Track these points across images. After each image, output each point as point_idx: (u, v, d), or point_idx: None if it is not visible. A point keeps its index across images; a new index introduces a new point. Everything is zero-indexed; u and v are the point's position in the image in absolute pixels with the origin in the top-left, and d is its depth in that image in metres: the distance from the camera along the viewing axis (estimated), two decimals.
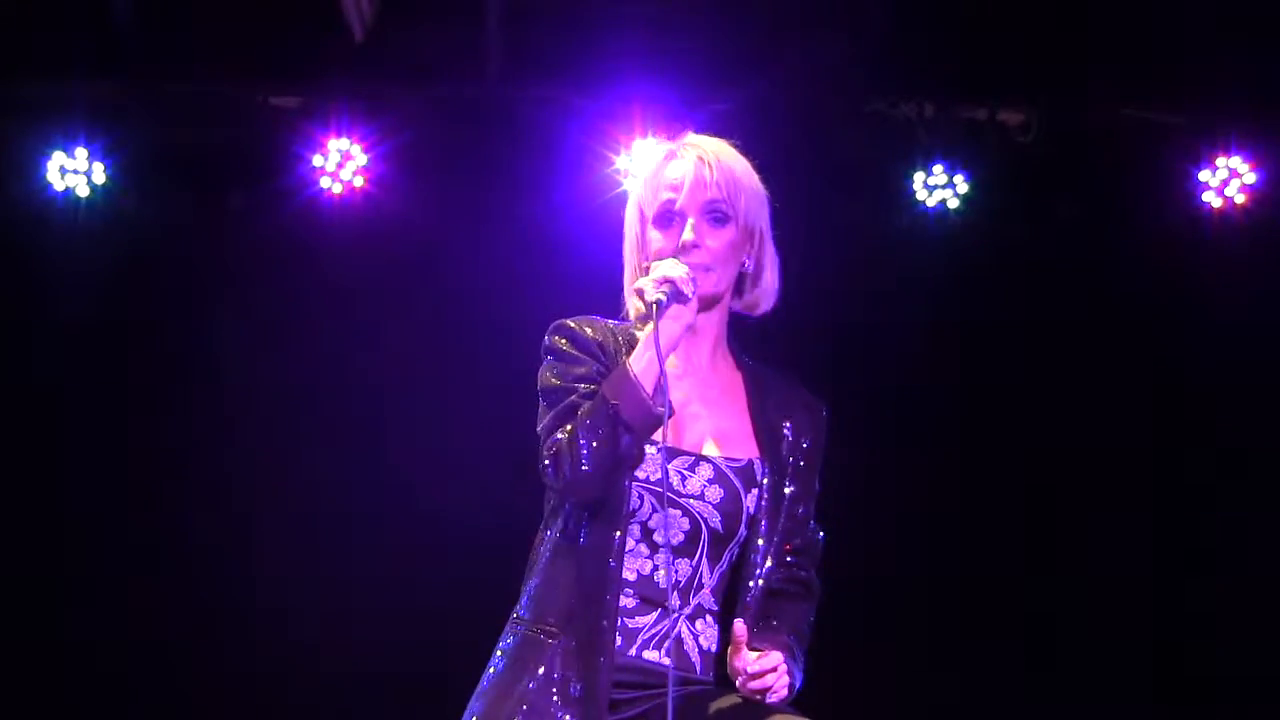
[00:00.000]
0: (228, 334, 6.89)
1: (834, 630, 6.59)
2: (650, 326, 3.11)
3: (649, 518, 3.17)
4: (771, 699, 3.10)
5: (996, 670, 7.02)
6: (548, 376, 3.23)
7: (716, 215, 3.24)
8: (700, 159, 3.26)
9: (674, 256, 3.20)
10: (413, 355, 6.92)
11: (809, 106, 6.95)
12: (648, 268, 3.22)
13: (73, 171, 6.75)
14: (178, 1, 6.65)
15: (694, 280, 3.15)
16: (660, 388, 3.08)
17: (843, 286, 6.81)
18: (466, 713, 3.19)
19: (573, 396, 3.17)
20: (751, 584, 3.23)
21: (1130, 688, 7.07)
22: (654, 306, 3.09)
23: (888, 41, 6.70)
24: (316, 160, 6.80)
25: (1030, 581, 7.10)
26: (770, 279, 3.34)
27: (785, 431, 3.29)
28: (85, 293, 6.84)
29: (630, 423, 3.07)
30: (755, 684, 3.09)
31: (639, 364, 3.11)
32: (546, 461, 3.14)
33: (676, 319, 3.13)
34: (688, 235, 3.21)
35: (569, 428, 3.12)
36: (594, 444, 3.08)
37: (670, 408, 3.10)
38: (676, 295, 3.11)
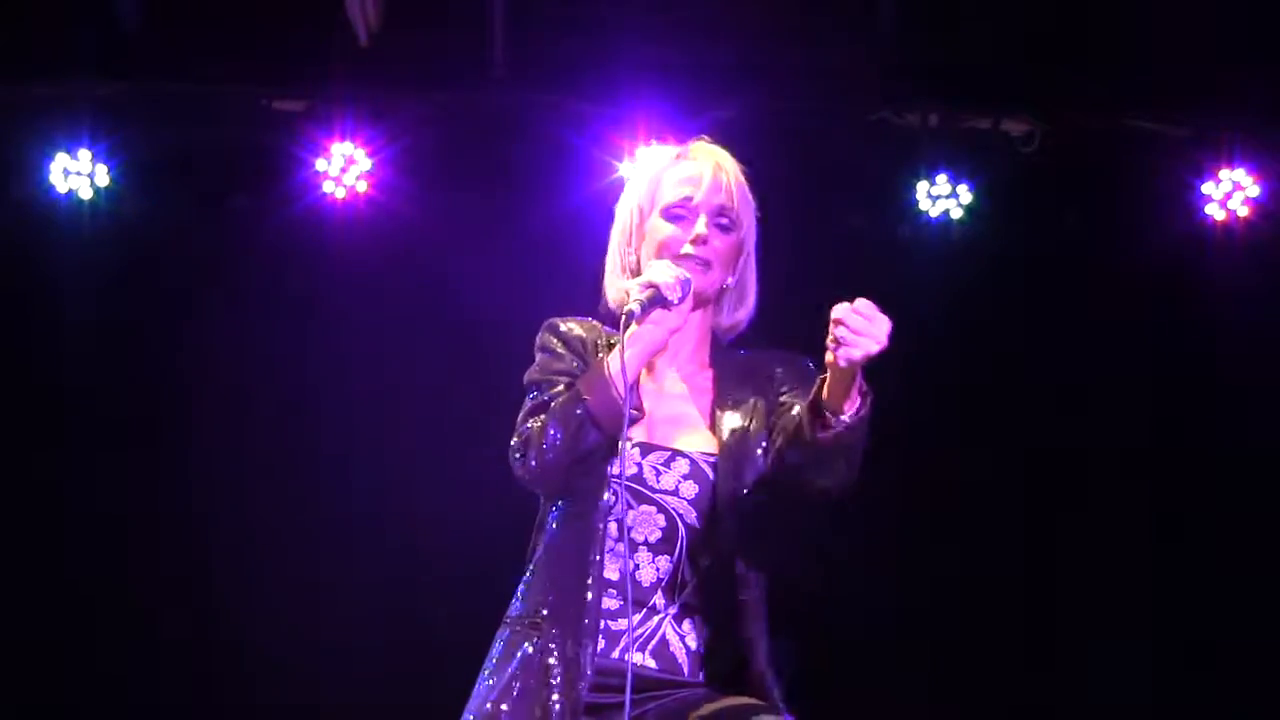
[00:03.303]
0: (229, 337, 6.88)
1: (834, 630, 6.65)
2: (631, 328, 3.12)
3: (624, 515, 3.18)
4: (849, 351, 2.88)
5: (996, 670, 7.03)
6: (531, 372, 3.29)
7: (724, 221, 3.30)
8: (718, 165, 3.33)
9: (686, 247, 3.25)
10: (415, 361, 6.92)
11: (813, 115, 6.95)
12: (637, 264, 3.28)
13: (76, 173, 6.75)
14: (182, 4, 6.65)
15: (683, 285, 3.17)
16: (631, 388, 3.11)
17: (845, 295, 6.78)
18: (461, 717, 3.19)
19: (551, 390, 3.21)
20: (738, 582, 3.21)
21: (1130, 687, 7.07)
22: (627, 315, 3.11)
23: (892, 51, 6.70)
24: (320, 164, 6.79)
25: (1030, 582, 7.11)
26: (752, 297, 3.40)
27: (746, 405, 3.27)
28: (87, 295, 6.84)
29: (598, 419, 3.11)
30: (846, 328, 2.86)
31: (614, 363, 3.13)
32: (515, 449, 3.17)
33: (659, 323, 3.17)
34: (700, 229, 3.26)
35: (541, 418, 3.15)
36: (560, 436, 3.11)
37: (640, 409, 3.15)
38: (660, 300, 3.14)
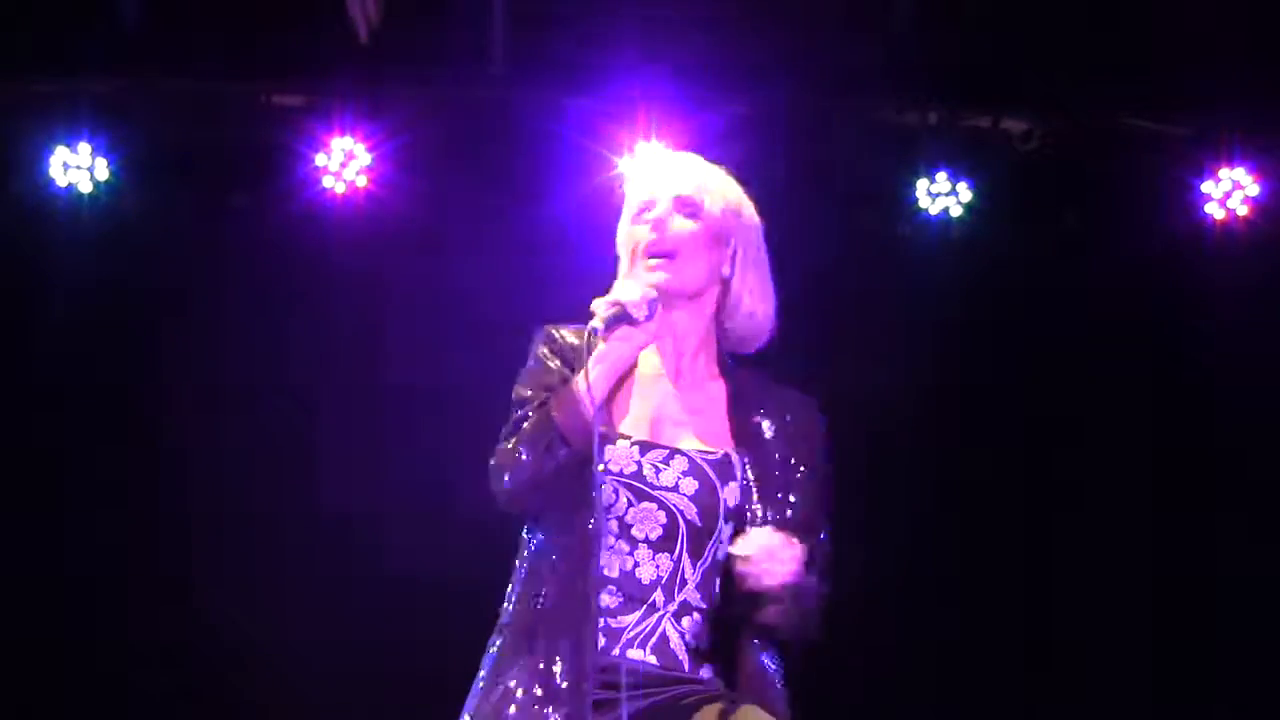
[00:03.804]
0: (229, 332, 6.88)
1: (832, 631, 6.65)
2: (599, 346, 3.15)
3: (625, 512, 3.18)
4: (770, 581, 3.02)
5: (996, 669, 7.04)
6: (518, 384, 3.29)
7: (686, 210, 3.30)
8: (678, 162, 3.40)
9: (648, 235, 3.27)
10: (415, 355, 6.91)
11: (813, 113, 6.95)
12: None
13: (75, 167, 6.75)
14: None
15: (650, 304, 3.18)
16: (601, 405, 3.13)
17: (845, 292, 6.81)
18: (462, 714, 3.19)
19: (530, 406, 3.21)
20: (742, 580, 3.16)
21: (1131, 687, 7.08)
22: (591, 332, 3.13)
23: (892, 49, 6.70)
24: (319, 159, 6.80)
25: (1030, 583, 7.11)
26: (758, 305, 3.37)
27: (767, 431, 3.29)
28: (86, 289, 6.83)
29: (568, 437, 3.12)
30: (757, 564, 3.01)
31: (583, 381, 3.14)
32: (491, 470, 3.20)
33: (625, 340, 3.17)
34: (659, 213, 3.28)
35: (514, 440, 3.18)
36: (531, 456, 3.14)
37: (611, 427, 3.17)
38: (624, 317, 3.15)
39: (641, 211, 3.32)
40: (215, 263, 6.95)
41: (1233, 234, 6.97)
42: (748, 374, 3.40)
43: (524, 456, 3.14)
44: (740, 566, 3.03)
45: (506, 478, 3.16)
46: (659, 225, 3.27)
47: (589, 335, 3.13)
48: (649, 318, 3.17)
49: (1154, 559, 7.14)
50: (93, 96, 6.75)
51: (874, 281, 6.95)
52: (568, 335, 3.30)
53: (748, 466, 3.24)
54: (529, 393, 3.24)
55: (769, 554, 3.01)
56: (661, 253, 3.25)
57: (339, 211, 6.86)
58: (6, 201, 6.84)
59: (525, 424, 3.17)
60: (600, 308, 3.15)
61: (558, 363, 3.27)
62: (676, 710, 3.13)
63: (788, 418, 3.32)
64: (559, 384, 3.22)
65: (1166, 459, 7.14)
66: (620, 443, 3.18)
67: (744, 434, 3.27)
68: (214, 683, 6.79)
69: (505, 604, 3.25)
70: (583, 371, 3.15)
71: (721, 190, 3.35)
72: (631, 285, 3.20)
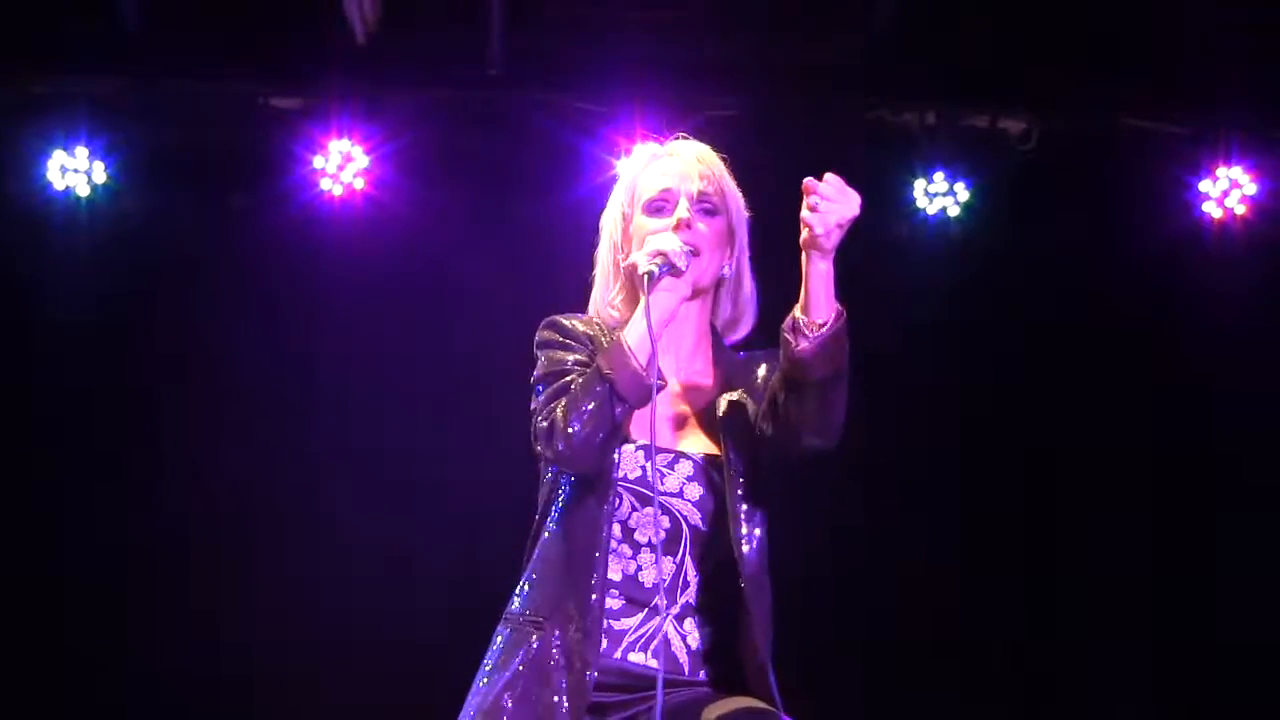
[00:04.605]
0: (226, 335, 6.88)
1: (835, 630, 6.65)
2: (643, 300, 3.13)
3: (629, 516, 3.19)
4: (824, 217, 3.07)
5: (996, 669, 7.04)
6: (541, 365, 3.26)
7: (707, 206, 3.31)
8: (694, 156, 3.36)
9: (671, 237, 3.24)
10: (413, 358, 6.92)
11: (810, 113, 6.95)
12: (632, 269, 3.26)
13: (73, 170, 6.75)
14: (180, 1, 6.65)
15: (688, 254, 3.18)
16: (652, 360, 3.10)
17: (842, 293, 6.79)
18: (462, 713, 3.19)
19: (568, 377, 3.19)
20: (741, 582, 3.20)
21: (1131, 687, 7.07)
22: (645, 279, 3.13)
23: (890, 49, 6.70)
24: (317, 162, 6.79)
25: (1029, 581, 7.11)
26: (750, 295, 3.40)
27: (744, 404, 3.29)
28: (84, 292, 6.83)
29: (624, 393, 3.10)
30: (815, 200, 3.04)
31: (632, 335, 3.14)
32: (542, 428, 3.15)
33: (671, 290, 3.18)
34: (682, 212, 3.26)
35: (564, 400, 3.14)
36: (587, 413, 3.10)
37: (664, 378, 3.14)
38: (669, 268, 3.16)
39: (658, 203, 3.30)
40: (212, 266, 6.95)
41: (1231, 233, 6.97)
42: (734, 357, 3.39)
43: (580, 413, 3.10)
44: (808, 198, 3.05)
45: (560, 439, 3.10)
46: (685, 224, 3.25)
47: (645, 278, 3.12)
48: (689, 267, 3.18)
49: (1154, 559, 7.14)
50: (91, 98, 6.74)
51: (871, 282, 6.93)
52: (576, 323, 3.30)
53: (740, 467, 3.24)
54: (553, 369, 3.22)
55: (834, 188, 3.06)
56: (689, 245, 3.23)
57: (336, 214, 6.86)
58: (4, 204, 6.83)
59: (574, 386, 3.14)
60: (643, 260, 3.15)
61: (574, 343, 3.26)
62: (684, 710, 3.13)
63: (765, 366, 3.33)
64: (584, 360, 3.21)
65: (1166, 458, 7.14)
66: (625, 446, 3.17)
67: (734, 430, 3.27)
68: (213, 682, 6.78)
69: (515, 595, 3.25)
70: (629, 326, 3.15)
71: (732, 186, 3.36)
72: (668, 237, 3.20)
